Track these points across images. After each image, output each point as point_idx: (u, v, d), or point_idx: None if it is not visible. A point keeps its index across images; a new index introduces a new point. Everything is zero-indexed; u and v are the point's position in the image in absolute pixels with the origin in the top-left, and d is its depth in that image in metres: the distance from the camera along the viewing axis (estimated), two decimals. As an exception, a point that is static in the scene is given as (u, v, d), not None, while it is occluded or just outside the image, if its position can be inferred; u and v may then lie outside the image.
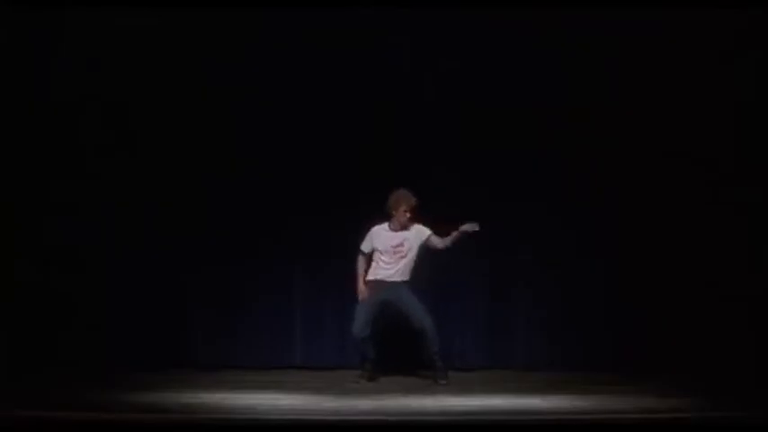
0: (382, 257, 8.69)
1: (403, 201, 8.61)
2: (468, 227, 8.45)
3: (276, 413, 7.29)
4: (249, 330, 9.51)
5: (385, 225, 8.72)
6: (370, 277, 8.74)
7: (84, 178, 9.33)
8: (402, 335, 8.80)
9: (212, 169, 9.43)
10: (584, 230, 9.36)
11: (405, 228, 8.68)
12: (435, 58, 9.39)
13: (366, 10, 9.04)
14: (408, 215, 8.63)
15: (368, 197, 9.01)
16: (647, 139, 9.19)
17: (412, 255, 8.67)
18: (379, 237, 8.72)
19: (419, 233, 8.67)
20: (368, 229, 8.76)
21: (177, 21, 9.18)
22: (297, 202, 9.41)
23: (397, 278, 8.67)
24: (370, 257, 8.77)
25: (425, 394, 8.11)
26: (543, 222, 9.41)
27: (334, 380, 8.75)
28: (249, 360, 9.44)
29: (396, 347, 8.96)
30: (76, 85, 9.27)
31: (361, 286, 8.74)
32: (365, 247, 8.77)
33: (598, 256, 9.37)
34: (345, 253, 9.06)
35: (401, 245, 8.66)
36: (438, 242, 8.62)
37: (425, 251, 8.72)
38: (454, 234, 8.52)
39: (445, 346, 8.88)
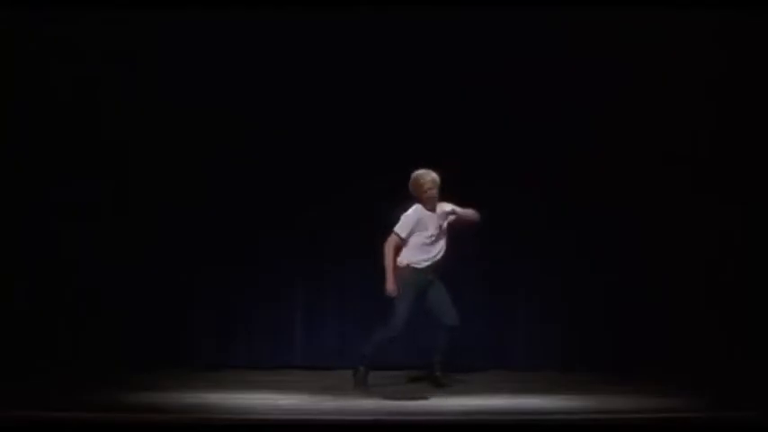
0: (426, 243, 8.32)
1: (426, 182, 8.33)
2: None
3: (276, 413, 7.29)
4: (249, 330, 9.52)
5: (420, 208, 8.38)
6: (417, 264, 8.33)
7: (83, 178, 9.33)
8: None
9: (212, 169, 9.44)
10: (584, 230, 9.37)
11: (434, 209, 8.38)
12: (436, 57, 9.39)
13: (366, 9, 9.04)
14: (428, 194, 8.31)
15: (368, 197, 9.01)
16: (648, 140, 9.21)
17: (446, 234, 8.40)
18: (421, 218, 8.33)
19: (444, 211, 8.40)
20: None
21: (177, 21, 9.18)
22: (297, 202, 9.41)
23: (439, 257, 8.37)
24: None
25: (425, 394, 8.11)
26: (543, 222, 9.42)
27: (334, 380, 8.74)
28: (249, 360, 9.45)
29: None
30: (76, 85, 9.28)
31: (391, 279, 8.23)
32: (402, 230, 8.32)
33: (598, 256, 9.37)
34: (345, 253, 9.06)
35: (439, 226, 8.37)
36: (461, 211, 8.39)
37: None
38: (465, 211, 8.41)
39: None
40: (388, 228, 8.41)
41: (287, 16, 9.18)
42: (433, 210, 8.40)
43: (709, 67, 9.10)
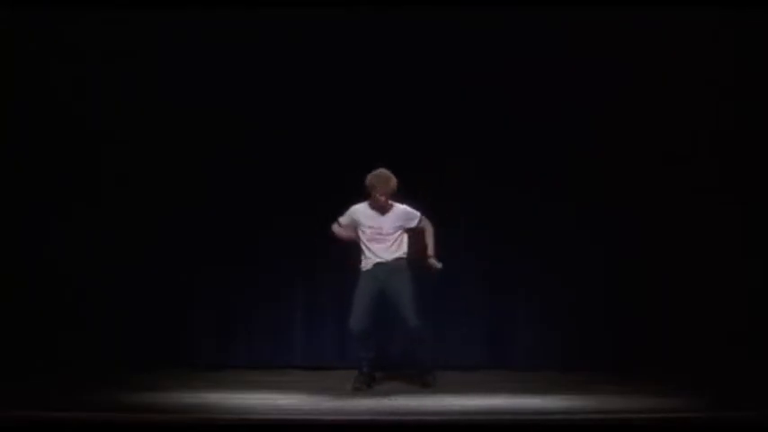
0: (365, 240, 8.34)
1: (377, 184, 8.25)
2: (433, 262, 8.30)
3: (276, 413, 7.29)
4: (249, 330, 9.52)
5: (365, 204, 8.40)
6: (363, 267, 8.37)
7: (83, 178, 9.33)
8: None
9: (212, 169, 9.44)
10: (585, 230, 9.37)
11: (384, 209, 8.34)
12: (436, 57, 9.38)
13: (366, 9, 9.04)
14: (383, 199, 8.27)
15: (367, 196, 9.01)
16: (648, 140, 9.20)
17: (394, 238, 8.31)
18: (358, 213, 8.39)
19: (405, 217, 8.34)
20: None
21: (177, 21, 9.17)
22: (297, 202, 9.41)
23: (387, 257, 8.30)
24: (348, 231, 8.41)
25: (425, 394, 8.11)
26: (543, 222, 9.41)
27: (335, 380, 8.74)
28: (249, 360, 9.45)
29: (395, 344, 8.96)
30: (76, 85, 9.27)
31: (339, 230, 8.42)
32: (343, 219, 8.44)
33: (598, 255, 9.37)
34: (346, 253, 9.05)
35: (380, 228, 8.32)
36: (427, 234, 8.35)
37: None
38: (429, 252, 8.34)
39: (445, 345, 8.90)
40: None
41: (287, 16, 9.17)
42: (380, 210, 8.33)
43: (709, 67, 9.09)
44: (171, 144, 9.40)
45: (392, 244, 8.35)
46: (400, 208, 8.40)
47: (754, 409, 7.17)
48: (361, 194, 8.91)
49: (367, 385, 8.32)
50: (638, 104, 9.20)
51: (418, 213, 8.39)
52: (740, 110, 9.08)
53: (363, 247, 8.40)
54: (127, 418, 6.94)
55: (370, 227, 8.36)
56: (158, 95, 9.35)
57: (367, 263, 8.38)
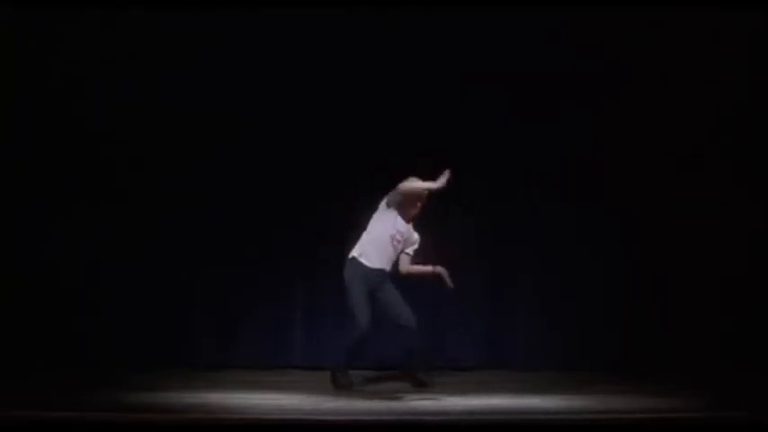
0: (385, 241, 8.16)
1: (417, 195, 8.08)
2: (442, 273, 8.16)
3: (277, 413, 7.28)
4: (249, 330, 9.52)
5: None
6: (369, 262, 8.18)
7: (83, 178, 9.33)
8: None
9: (212, 169, 9.44)
10: (585, 230, 9.38)
11: (409, 222, 8.20)
12: (436, 57, 9.39)
13: (366, 9, 9.04)
14: (418, 211, 8.12)
15: (367, 197, 9.01)
16: (648, 140, 9.21)
17: (398, 251, 8.21)
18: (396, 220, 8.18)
19: (411, 237, 8.25)
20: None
21: (177, 21, 9.18)
22: (297, 201, 9.42)
23: (388, 268, 8.20)
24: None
25: (425, 394, 8.11)
26: (543, 222, 9.43)
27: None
28: (249, 360, 9.45)
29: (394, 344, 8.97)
30: (76, 85, 9.27)
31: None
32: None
33: (598, 255, 9.38)
34: (346, 252, 9.07)
35: (404, 238, 8.20)
36: (405, 264, 8.22)
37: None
38: (424, 269, 8.21)
39: (445, 346, 8.90)
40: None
41: (287, 16, 9.18)
42: (410, 222, 8.22)
43: (709, 67, 9.10)
44: (171, 144, 9.40)
45: (396, 257, 8.23)
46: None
47: (754, 409, 7.17)
48: (360, 194, 8.94)
49: (351, 382, 8.28)
50: (638, 104, 9.21)
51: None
52: (740, 110, 9.09)
53: (377, 246, 8.19)
54: (127, 418, 6.93)
55: (399, 231, 8.20)
56: (158, 95, 9.36)
57: (366, 264, 8.18)
